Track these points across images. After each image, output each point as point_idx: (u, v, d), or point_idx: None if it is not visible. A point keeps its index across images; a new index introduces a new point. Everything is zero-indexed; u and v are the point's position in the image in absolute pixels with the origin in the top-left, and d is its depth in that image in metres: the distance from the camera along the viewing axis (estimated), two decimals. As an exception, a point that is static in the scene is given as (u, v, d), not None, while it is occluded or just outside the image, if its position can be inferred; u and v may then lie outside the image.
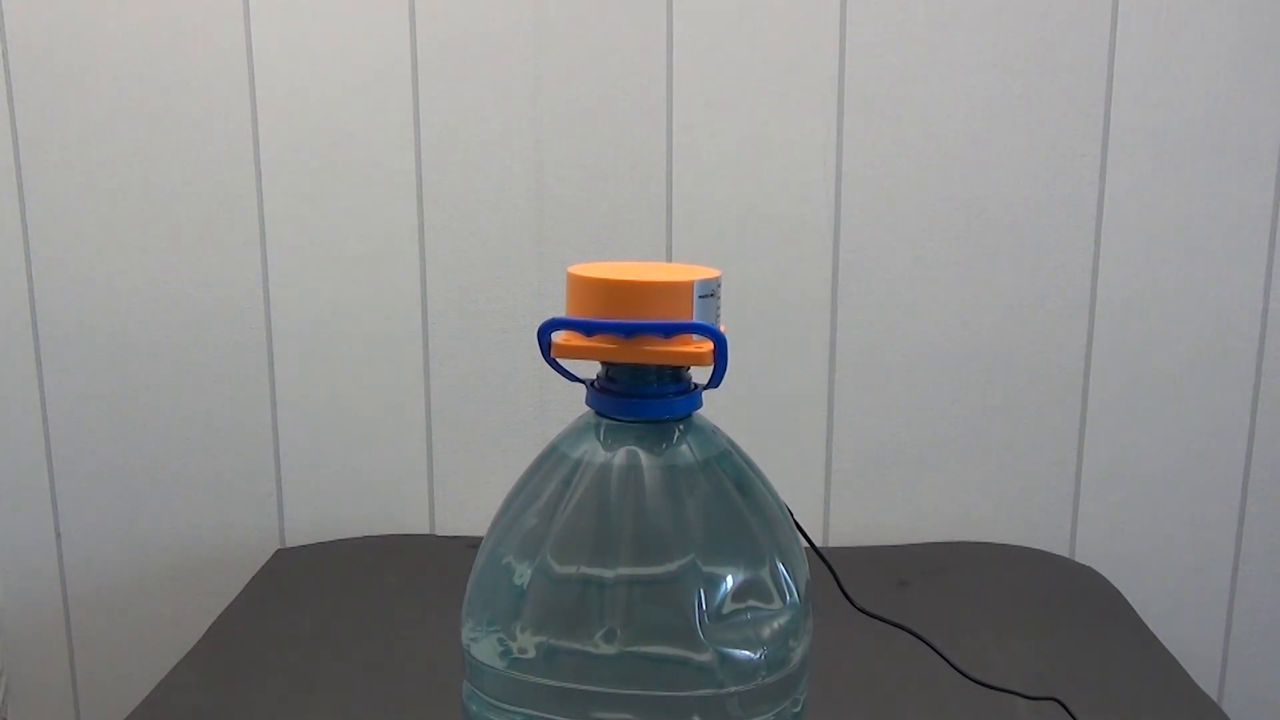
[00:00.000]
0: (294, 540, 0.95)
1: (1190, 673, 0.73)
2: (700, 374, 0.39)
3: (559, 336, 0.38)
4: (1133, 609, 0.83)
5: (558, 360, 0.38)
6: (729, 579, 0.37)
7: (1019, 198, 0.88)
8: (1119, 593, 0.86)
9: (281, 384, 0.92)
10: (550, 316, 0.38)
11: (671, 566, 0.37)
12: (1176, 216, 0.88)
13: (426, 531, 0.95)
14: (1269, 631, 0.95)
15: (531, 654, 0.37)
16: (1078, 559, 0.93)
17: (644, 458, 0.38)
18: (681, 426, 0.39)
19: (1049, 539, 0.94)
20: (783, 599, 0.38)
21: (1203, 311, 0.90)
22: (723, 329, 0.37)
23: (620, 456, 0.38)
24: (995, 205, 0.88)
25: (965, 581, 0.85)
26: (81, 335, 0.91)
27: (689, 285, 0.37)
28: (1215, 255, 0.89)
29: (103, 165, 0.89)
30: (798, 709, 0.40)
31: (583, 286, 0.38)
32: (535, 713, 0.38)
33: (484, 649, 0.38)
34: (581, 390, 0.41)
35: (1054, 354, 0.91)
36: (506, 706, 0.38)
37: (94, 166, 0.89)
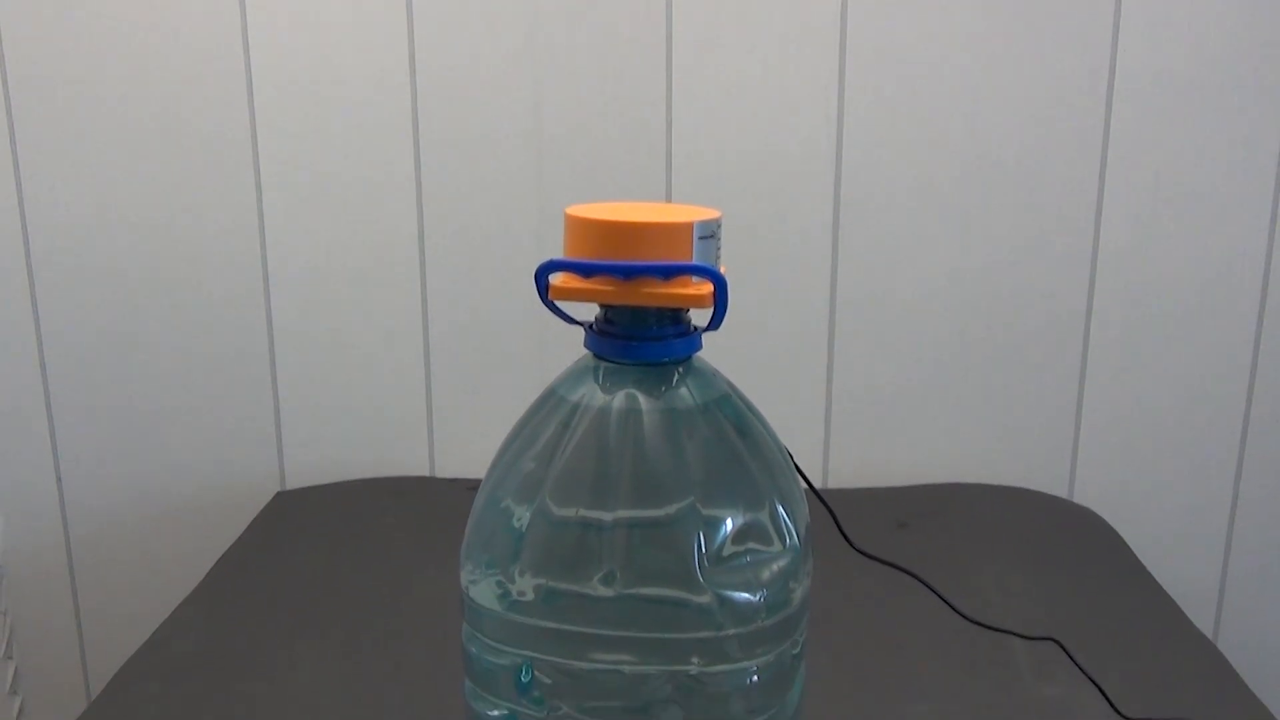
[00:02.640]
0: (294, 483, 0.95)
1: (1186, 612, 0.74)
2: (700, 316, 0.39)
3: (557, 278, 0.38)
4: (1130, 550, 0.83)
5: (555, 302, 0.38)
6: (728, 522, 0.37)
7: (1022, 139, 0.87)
8: (1117, 534, 0.86)
9: (279, 327, 0.92)
10: (548, 258, 0.37)
11: (671, 509, 0.37)
12: (1181, 158, 0.87)
13: (426, 474, 0.95)
14: (1265, 572, 0.95)
15: (530, 596, 0.37)
16: (1076, 500, 0.94)
17: (643, 401, 0.38)
18: (681, 369, 0.39)
19: (1048, 480, 0.94)
20: (782, 541, 0.38)
21: (1206, 254, 0.89)
22: (723, 271, 0.37)
23: (619, 400, 0.38)
24: (998, 146, 0.87)
25: (964, 522, 0.86)
26: (77, 278, 0.91)
27: (688, 226, 0.36)
28: (1219, 198, 0.88)
29: (94, 101, 0.87)
30: (796, 650, 0.40)
31: (581, 228, 0.37)
32: (534, 654, 0.38)
33: (483, 591, 0.38)
34: (581, 332, 0.40)
35: (1056, 295, 0.90)
36: (505, 648, 0.38)
37: (85, 103, 0.87)
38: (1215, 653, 0.69)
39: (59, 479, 0.95)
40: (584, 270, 0.37)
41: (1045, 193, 0.88)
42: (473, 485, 0.40)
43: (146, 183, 0.89)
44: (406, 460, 0.94)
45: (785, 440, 0.41)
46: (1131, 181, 0.88)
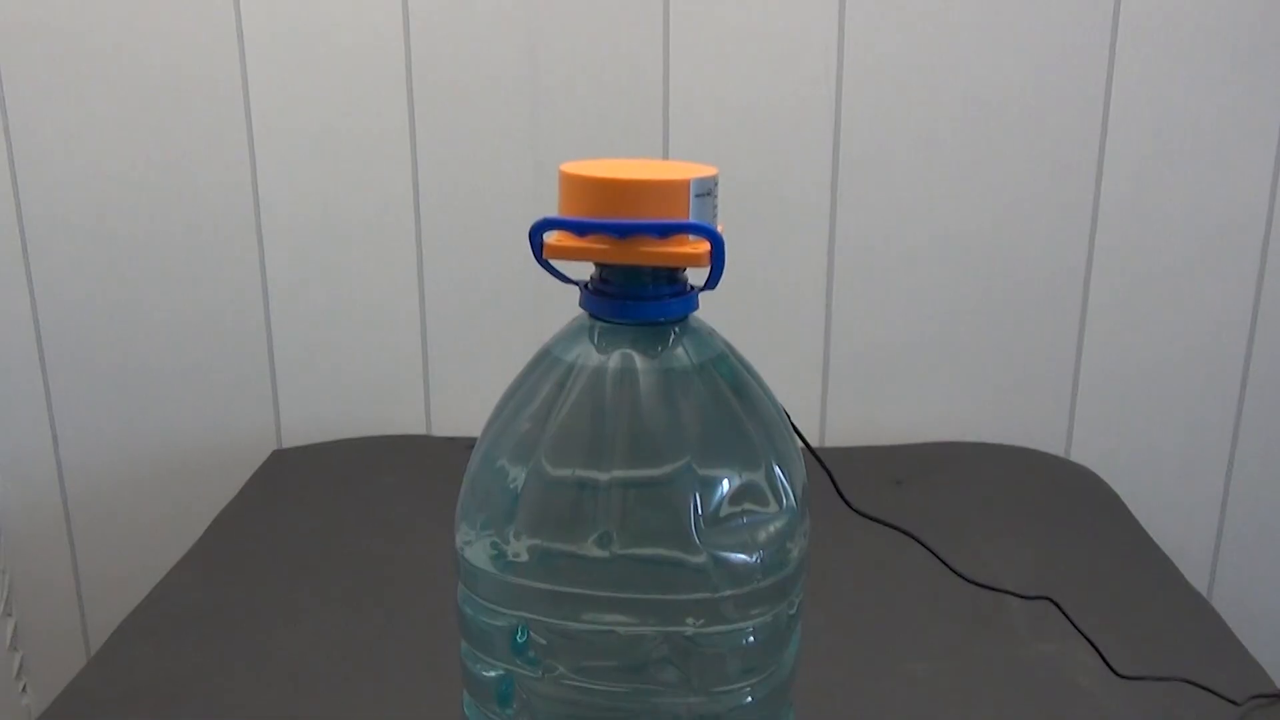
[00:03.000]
0: (290, 441, 0.95)
1: (1182, 571, 0.74)
2: (697, 275, 0.38)
3: (551, 237, 0.37)
4: (1127, 508, 0.83)
5: (550, 261, 0.37)
6: (725, 482, 0.37)
7: (1023, 94, 0.86)
8: (1114, 492, 0.86)
9: (273, 285, 0.91)
10: (543, 216, 0.37)
11: (667, 470, 0.37)
12: (1184, 113, 0.86)
13: (423, 432, 0.95)
14: (1260, 531, 0.96)
15: (525, 558, 0.37)
16: (1073, 459, 0.94)
17: (639, 361, 0.38)
18: (677, 329, 0.39)
19: (1045, 439, 0.94)
20: (779, 502, 0.38)
21: (1207, 212, 0.88)
22: (720, 229, 0.36)
23: (615, 359, 0.38)
24: (999, 101, 0.86)
25: (961, 481, 0.86)
26: (70, 238, 0.90)
27: (685, 184, 0.36)
28: (1222, 154, 0.87)
29: (84, 59, 0.86)
30: (793, 611, 0.40)
31: (575, 185, 0.37)
32: (529, 615, 0.38)
33: (477, 553, 0.38)
34: (577, 292, 0.40)
35: (1055, 253, 0.90)
36: (501, 609, 0.38)
37: (75, 61, 0.86)
38: (1210, 611, 0.69)
39: (55, 438, 0.95)
40: (579, 229, 0.36)
41: (1046, 150, 0.87)
42: (469, 444, 0.40)
43: (138, 142, 0.88)
44: (403, 419, 0.94)
45: (782, 399, 0.41)
46: (1133, 138, 0.87)
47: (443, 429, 0.95)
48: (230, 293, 0.91)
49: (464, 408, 0.94)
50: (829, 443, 0.94)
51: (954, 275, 0.90)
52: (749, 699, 0.38)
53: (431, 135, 0.87)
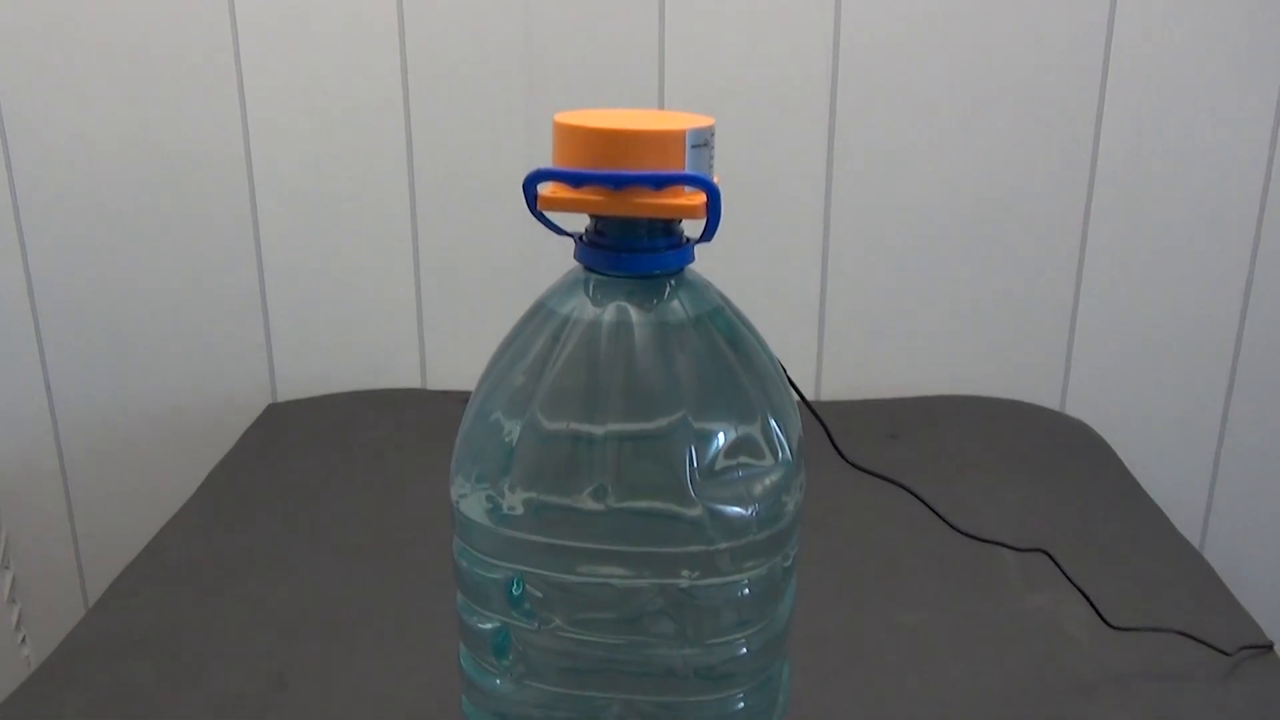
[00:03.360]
0: (285, 395, 0.95)
1: (1175, 523, 0.74)
2: (692, 227, 0.38)
3: (545, 188, 0.37)
4: (1121, 461, 0.84)
5: (544, 213, 0.37)
6: (720, 435, 0.37)
7: (1023, 42, 0.85)
8: (1108, 445, 0.86)
9: (266, 238, 0.91)
10: (537, 167, 0.36)
11: (662, 423, 0.37)
12: (1185, 65, 0.86)
13: (418, 385, 0.95)
14: (1252, 484, 0.96)
15: (521, 511, 0.37)
16: (1068, 413, 0.94)
17: (634, 314, 0.37)
18: (673, 281, 0.38)
19: (1040, 393, 0.94)
20: (775, 455, 0.38)
21: (1206, 166, 0.88)
22: (716, 180, 0.36)
23: (610, 312, 0.37)
24: (999, 51, 0.85)
25: (956, 434, 0.86)
26: (62, 194, 0.89)
27: (681, 134, 0.35)
28: (1222, 107, 0.86)
29: (74, 17, 0.85)
30: (788, 563, 0.40)
31: (570, 136, 0.36)
32: (525, 568, 0.38)
33: (473, 506, 0.38)
34: (571, 244, 0.40)
35: (1053, 207, 0.89)
36: (496, 562, 0.38)
37: (65, 20, 0.85)
38: (1202, 562, 0.70)
39: (49, 392, 0.95)
40: (573, 180, 0.36)
41: (1045, 102, 0.86)
42: (464, 398, 0.39)
43: (129, 99, 0.87)
44: (397, 372, 0.94)
45: (777, 352, 0.40)
46: (1133, 91, 0.86)
47: (437, 383, 0.94)
48: (224, 247, 0.91)
49: (458, 361, 0.93)
50: (824, 396, 0.94)
51: (951, 228, 0.90)
52: (744, 651, 0.39)
53: (424, 87, 0.86)
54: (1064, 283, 0.91)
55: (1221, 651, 0.58)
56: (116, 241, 0.91)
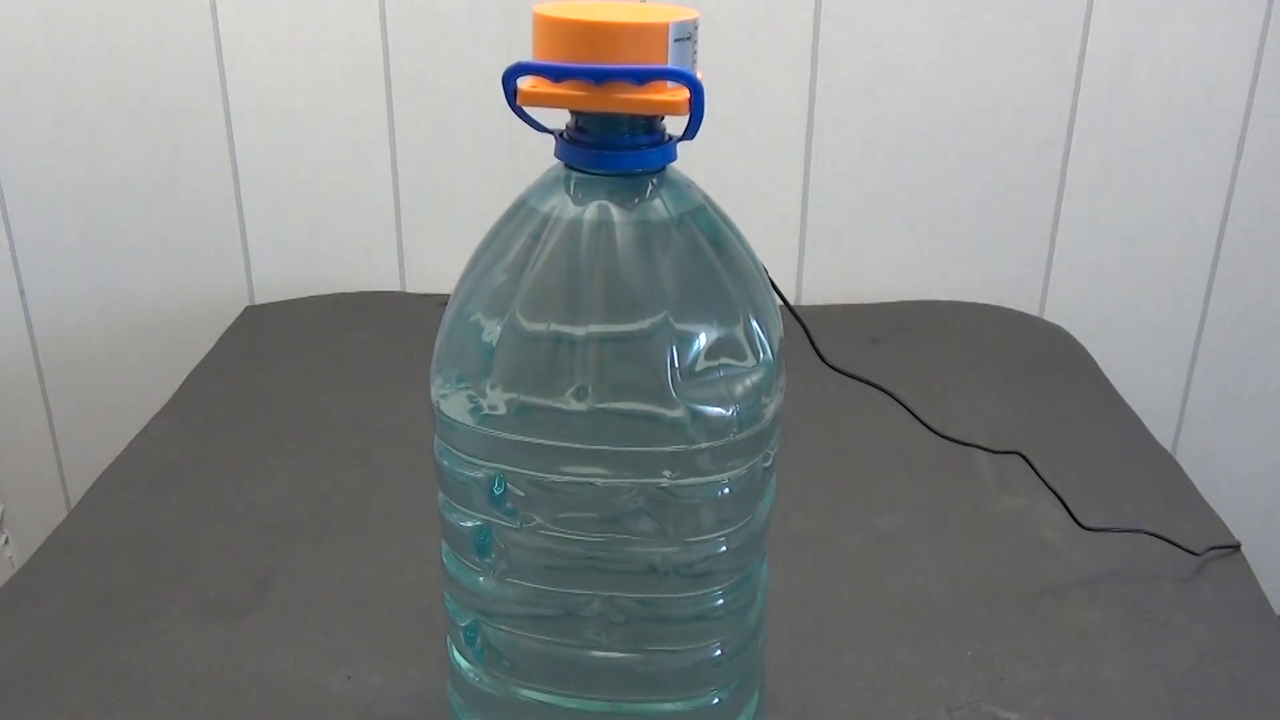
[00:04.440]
0: (263, 297, 0.94)
1: (1149, 426, 0.75)
2: (675, 125, 0.37)
3: (525, 83, 0.36)
4: (1098, 367, 0.84)
5: (524, 109, 0.36)
6: (702, 336, 0.37)
7: (1015, -60, 0.83)
8: (1085, 351, 0.87)
9: (240, 137, 0.89)
10: (517, 61, 0.35)
11: (644, 324, 0.36)
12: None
13: (397, 288, 0.94)
14: (1225, 389, 0.97)
15: (502, 411, 0.37)
16: (1047, 318, 0.94)
17: (615, 212, 0.37)
18: (655, 180, 0.38)
19: (1020, 298, 0.94)
20: (756, 356, 0.37)
21: (1191, 75, 0.87)
22: (700, 76, 0.35)
23: (591, 211, 0.37)
24: (989, -52, 0.83)
25: (936, 339, 0.86)
26: (28, 91, 0.87)
27: (664, 27, 0.35)
28: (1207, 16, 0.85)
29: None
30: (768, 463, 0.40)
31: (550, 28, 0.35)
32: (507, 468, 0.38)
33: (454, 405, 0.38)
34: (552, 141, 0.39)
35: (1038, 112, 0.88)
36: (478, 461, 0.38)
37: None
38: (1174, 466, 0.71)
39: (22, 293, 0.93)
40: (553, 74, 0.35)
41: (1031, 7, 0.85)
42: (444, 301, 0.39)
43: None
44: (376, 275, 0.93)
45: (759, 255, 0.40)
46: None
47: (416, 283, 0.94)
48: (197, 147, 0.89)
49: (438, 263, 0.93)
50: (806, 301, 0.94)
51: (933, 132, 0.89)
52: (723, 549, 0.39)
53: (400, -20, 0.84)
54: (1046, 189, 0.91)
55: (1190, 552, 0.60)
56: (88, 146, 0.89)
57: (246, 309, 0.91)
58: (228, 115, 0.88)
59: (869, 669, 0.52)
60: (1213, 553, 0.60)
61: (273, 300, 0.93)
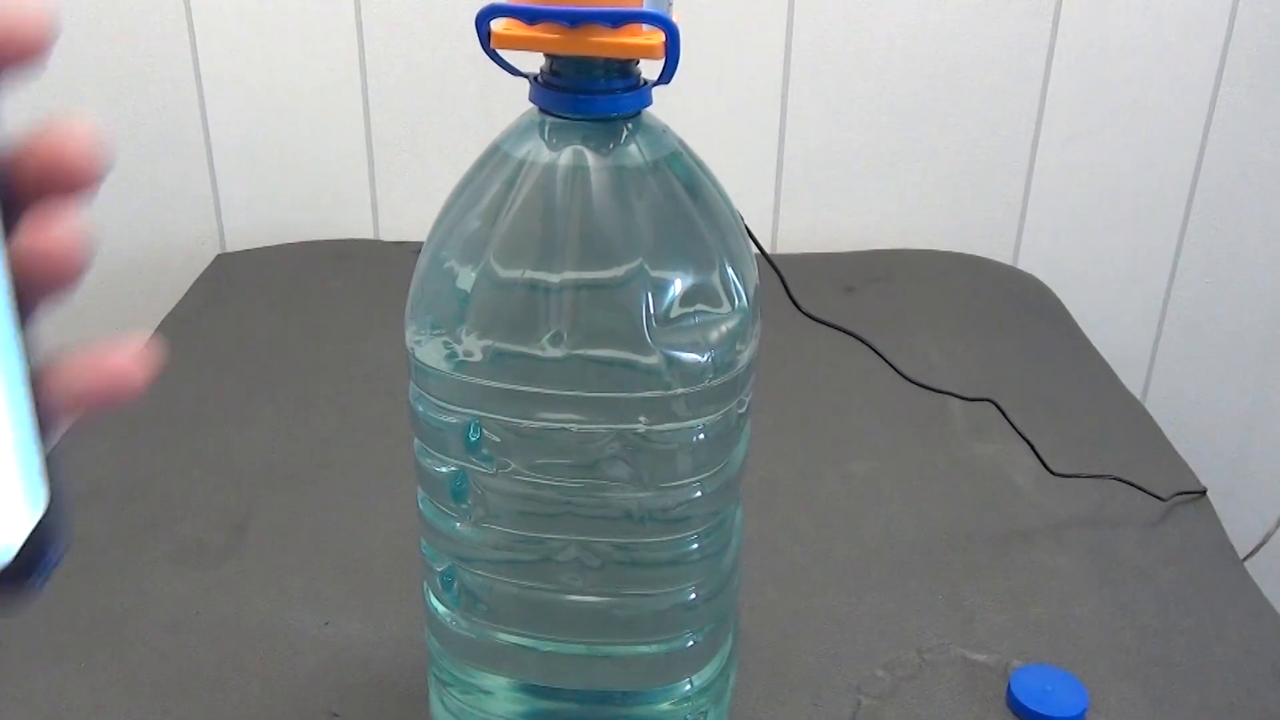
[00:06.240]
0: (235, 245, 0.93)
1: (1120, 376, 0.76)
2: (650, 69, 0.37)
3: (499, 25, 0.35)
4: (1070, 315, 0.85)
5: (497, 52, 0.36)
6: (677, 283, 0.37)
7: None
8: (1058, 300, 0.87)
9: (209, 83, 0.87)
10: (489, 3, 0.35)
11: (619, 270, 0.36)
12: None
13: (370, 236, 0.93)
14: (1194, 338, 0.98)
15: (477, 357, 0.37)
16: (1020, 267, 0.95)
17: (590, 157, 0.37)
18: (630, 125, 0.37)
19: (994, 247, 0.94)
20: (731, 303, 0.38)
21: (1167, 25, 0.87)
22: (675, 19, 0.35)
23: (565, 156, 0.37)
24: (968, -108, 0.83)
25: (910, 288, 0.86)
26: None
27: (640, -31, 0.34)
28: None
29: None
30: (742, 410, 0.41)
31: (524, -31, 0.35)
32: (482, 414, 0.38)
33: (429, 352, 0.38)
34: (527, 85, 0.38)
35: (1014, 61, 0.88)
36: (453, 407, 0.38)
37: None
38: (1144, 414, 0.72)
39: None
40: (527, 16, 0.35)
41: (1013, -54, 0.84)
42: (418, 249, 0.39)
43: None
44: (349, 222, 0.92)
45: (735, 203, 0.40)
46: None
47: (390, 234, 0.93)
48: (165, 92, 0.87)
49: (412, 211, 0.92)
50: (781, 249, 0.94)
51: (909, 80, 0.88)
52: (698, 494, 0.39)
53: (371, -80, 0.83)
54: (1021, 138, 0.91)
55: (1157, 497, 0.60)
56: (52, 89, 0.87)
57: (218, 256, 0.90)
58: (196, 61, 0.87)
59: (841, 612, 0.53)
60: (1179, 498, 0.61)
61: (244, 248, 0.92)
